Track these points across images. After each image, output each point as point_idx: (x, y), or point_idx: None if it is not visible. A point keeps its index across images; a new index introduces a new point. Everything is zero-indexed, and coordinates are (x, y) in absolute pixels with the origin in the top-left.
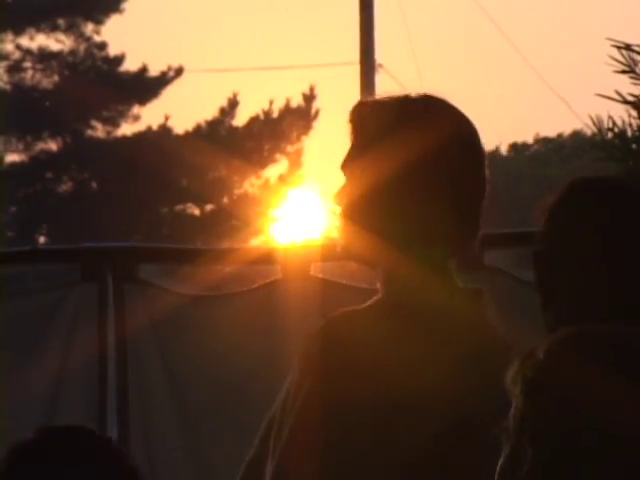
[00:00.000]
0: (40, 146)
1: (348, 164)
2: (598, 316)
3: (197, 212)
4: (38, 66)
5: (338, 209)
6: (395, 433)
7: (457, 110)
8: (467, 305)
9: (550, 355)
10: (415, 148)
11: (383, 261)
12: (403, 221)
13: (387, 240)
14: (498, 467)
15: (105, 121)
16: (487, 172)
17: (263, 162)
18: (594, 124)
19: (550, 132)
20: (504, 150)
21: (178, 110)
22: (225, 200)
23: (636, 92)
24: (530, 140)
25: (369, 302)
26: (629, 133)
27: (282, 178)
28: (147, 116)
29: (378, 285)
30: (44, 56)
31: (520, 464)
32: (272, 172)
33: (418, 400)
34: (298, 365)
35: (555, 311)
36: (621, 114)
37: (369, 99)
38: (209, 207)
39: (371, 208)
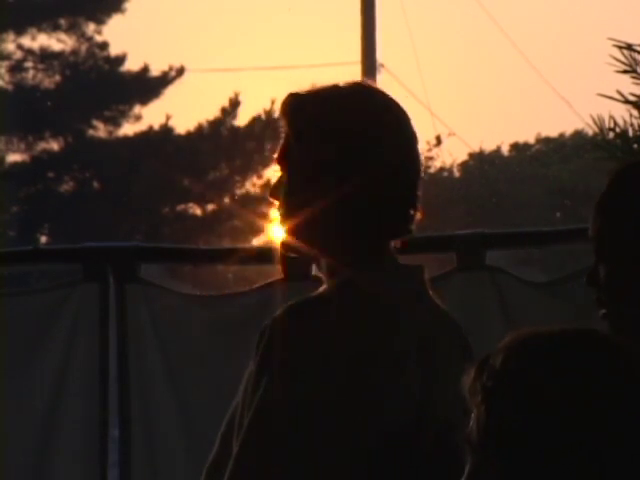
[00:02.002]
0: (42, 146)
1: (279, 157)
2: None
3: (198, 212)
4: (40, 66)
5: (275, 202)
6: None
7: (383, 97)
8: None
9: (507, 362)
10: (335, 141)
11: (315, 254)
12: (325, 214)
13: (313, 233)
14: (465, 477)
15: (107, 121)
16: (421, 158)
17: (264, 162)
18: (595, 124)
19: (551, 132)
20: (505, 150)
21: (180, 110)
22: (226, 200)
23: (637, 92)
24: (531, 140)
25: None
26: (630, 133)
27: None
28: (149, 116)
29: (322, 276)
30: (45, 56)
31: (487, 474)
32: (273, 172)
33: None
34: (258, 354)
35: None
36: (622, 114)
37: (301, 91)
38: (210, 207)
39: (298, 201)
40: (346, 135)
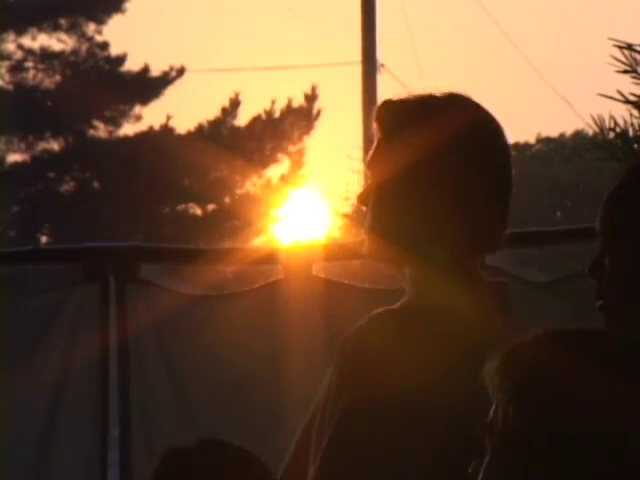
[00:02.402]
0: (42, 146)
1: (369, 162)
2: None
3: (199, 212)
4: (40, 66)
5: (363, 208)
6: (398, 435)
7: (477, 109)
8: (473, 304)
9: (540, 357)
10: (423, 144)
11: (399, 262)
12: (408, 219)
13: (393, 240)
14: (482, 471)
15: (107, 121)
16: (512, 171)
17: (265, 162)
18: (596, 124)
19: (552, 132)
20: None
21: (180, 110)
22: (227, 200)
23: (638, 92)
24: (532, 140)
25: (399, 303)
26: (631, 133)
27: (284, 178)
28: (149, 116)
29: (405, 286)
30: (46, 56)
31: (508, 468)
32: (274, 172)
33: (415, 401)
34: (337, 367)
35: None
36: (623, 114)
37: (394, 97)
38: (211, 207)
39: (381, 206)
40: (435, 143)
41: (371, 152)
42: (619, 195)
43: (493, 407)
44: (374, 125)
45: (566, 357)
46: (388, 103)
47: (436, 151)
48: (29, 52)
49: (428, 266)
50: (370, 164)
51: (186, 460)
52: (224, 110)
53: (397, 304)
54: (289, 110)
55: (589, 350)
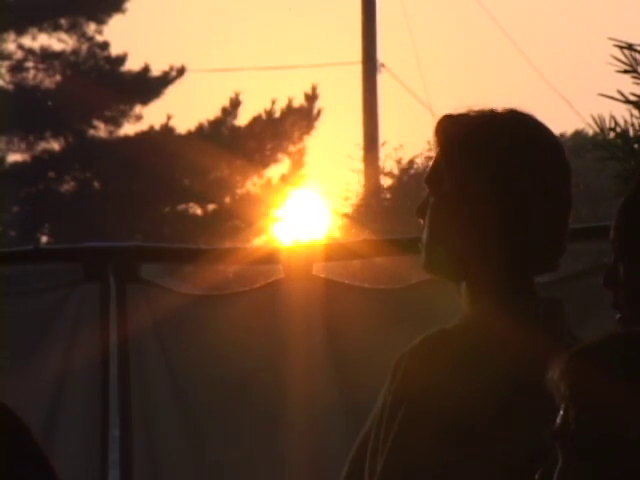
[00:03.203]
0: (42, 146)
1: (428, 177)
2: None
3: (199, 212)
4: (40, 66)
5: (420, 222)
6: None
7: (539, 127)
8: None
9: (600, 362)
10: (481, 162)
11: (454, 278)
12: (460, 237)
13: (447, 256)
14: (556, 477)
15: (107, 121)
16: (572, 191)
17: (265, 162)
18: (596, 124)
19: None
20: None
21: (180, 110)
22: (227, 200)
23: (638, 92)
24: None
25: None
26: (631, 133)
27: (284, 178)
28: (149, 116)
29: (462, 303)
30: (46, 56)
31: (579, 472)
32: (274, 172)
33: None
34: (394, 384)
35: None
36: (623, 114)
37: (456, 113)
38: (211, 207)
39: (437, 222)
40: (496, 161)
41: (430, 167)
42: (635, 202)
43: (560, 413)
44: (434, 139)
45: (623, 361)
46: (449, 118)
47: (494, 170)
48: (29, 52)
49: (478, 284)
50: (428, 179)
51: None
52: (224, 110)
53: (453, 324)
54: (289, 110)
55: None
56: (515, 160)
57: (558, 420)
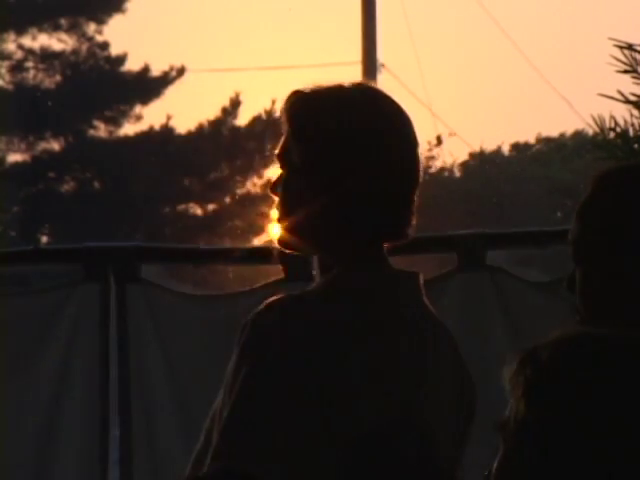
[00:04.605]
0: (42, 146)
1: (278, 153)
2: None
3: (199, 212)
4: (40, 66)
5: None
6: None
7: (385, 100)
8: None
9: (554, 359)
10: (328, 136)
11: (307, 251)
12: (311, 211)
13: (299, 231)
14: (495, 468)
15: (107, 121)
16: (419, 165)
17: (265, 162)
18: (596, 124)
19: (552, 132)
20: (506, 150)
21: (180, 110)
22: (227, 200)
23: (638, 92)
24: (532, 140)
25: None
26: (631, 133)
27: None
28: (149, 116)
29: (314, 272)
30: (46, 56)
31: (521, 464)
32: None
33: None
34: (237, 347)
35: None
36: (623, 114)
37: (304, 89)
38: (211, 207)
39: (288, 198)
40: (345, 135)
41: (281, 143)
42: (589, 206)
43: (508, 407)
44: (282, 116)
45: (582, 360)
46: (297, 94)
47: (340, 143)
48: (29, 52)
49: (329, 256)
50: (279, 154)
51: None
52: (224, 110)
53: (302, 290)
54: None
55: (601, 351)
56: (361, 133)
57: (506, 413)
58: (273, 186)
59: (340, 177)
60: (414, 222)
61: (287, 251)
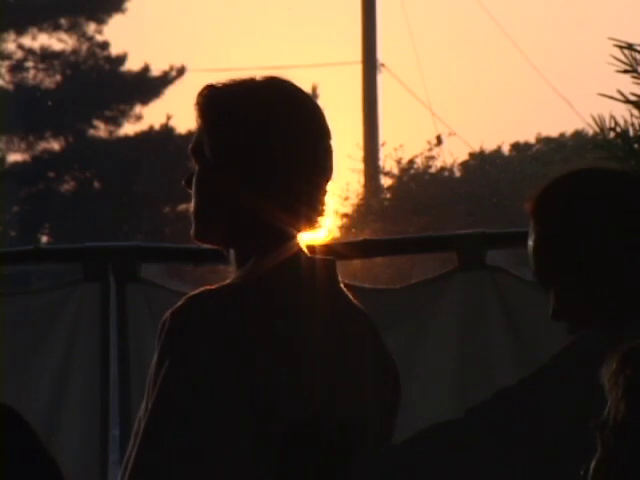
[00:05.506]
0: (42, 146)
1: (192, 148)
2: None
3: None
4: (40, 66)
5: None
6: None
7: (296, 92)
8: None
9: None
10: (238, 130)
11: (223, 245)
12: (226, 205)
13: (215, 225)
14: (593, 468)
15: (107, 121)
16: (332, 155)
17: None
18: (596, 124)
19: (552, 132)
20: (506, 149)
21: (180, 110)
22: None
23: (638, 92)
24: (532, 139)
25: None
26: (631, 133)
27: None
28: (149, 116)
29: (231, 268)
30: (46, 56)
31: (621, 467)
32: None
33: None
34: (159, 344)
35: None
36: (623, 114)
37: (216, 82)
38: None
39: (202, 192)
40: (253, 128)
41: (194, 137)
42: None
43: (607, 406)
44: (195, 110)
45: None
46: (209, 87)
47: (251, 136)
48: (29, 52)
49: (244, 249)
50: (192, 148)
51: None
52: None
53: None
54: None
55: None
56: (272, 126)
57: (605, 412)
58: (188, 179)
59: (251, 170)
60: (327, 210)
61: (204, 245)
